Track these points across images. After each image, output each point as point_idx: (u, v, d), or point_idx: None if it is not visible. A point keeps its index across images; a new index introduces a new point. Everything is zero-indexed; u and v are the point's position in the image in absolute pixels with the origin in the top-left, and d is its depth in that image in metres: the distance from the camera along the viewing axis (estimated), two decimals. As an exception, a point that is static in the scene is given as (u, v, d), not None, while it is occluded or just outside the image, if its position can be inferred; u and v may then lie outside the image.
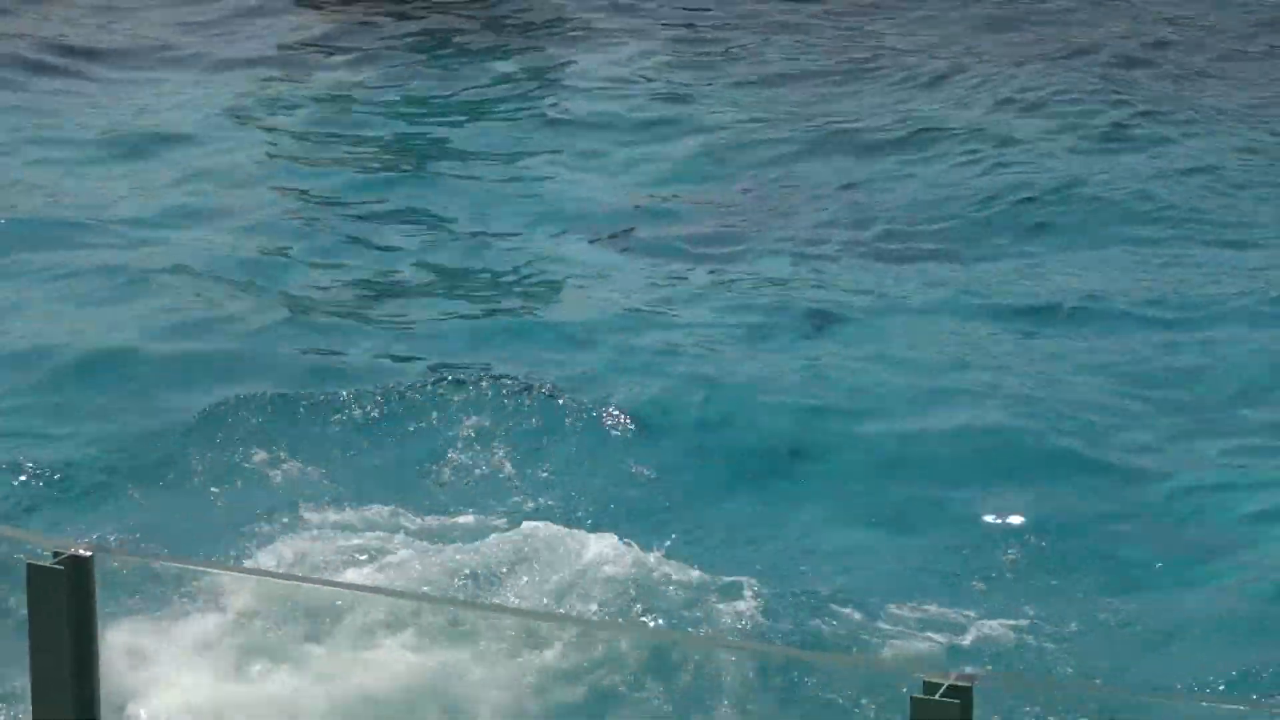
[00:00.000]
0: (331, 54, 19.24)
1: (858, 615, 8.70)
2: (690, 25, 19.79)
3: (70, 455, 10.63)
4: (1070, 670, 8.05)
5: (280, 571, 8.97)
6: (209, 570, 8.96)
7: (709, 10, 20.23)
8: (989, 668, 8.16)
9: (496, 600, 8.74)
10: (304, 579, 8.83)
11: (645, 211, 14.96)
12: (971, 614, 8.78)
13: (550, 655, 8.38)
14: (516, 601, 8.76)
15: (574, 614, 8.53)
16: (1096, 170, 15.34)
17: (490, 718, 8.07)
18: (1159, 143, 15.95)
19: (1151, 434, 11.41)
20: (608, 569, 8.93)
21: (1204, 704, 7.90)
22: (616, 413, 11.19)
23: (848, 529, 10.09)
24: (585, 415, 11.17)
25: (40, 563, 5.70)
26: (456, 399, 11.25)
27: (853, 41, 19.11)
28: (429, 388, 11.44)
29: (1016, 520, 10.17)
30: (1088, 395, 11.75)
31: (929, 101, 17.29)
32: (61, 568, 5.69)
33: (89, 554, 5.73)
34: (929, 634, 8.54)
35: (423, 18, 20.27)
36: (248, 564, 8.77)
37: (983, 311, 12.90)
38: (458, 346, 12.40)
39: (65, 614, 5.77)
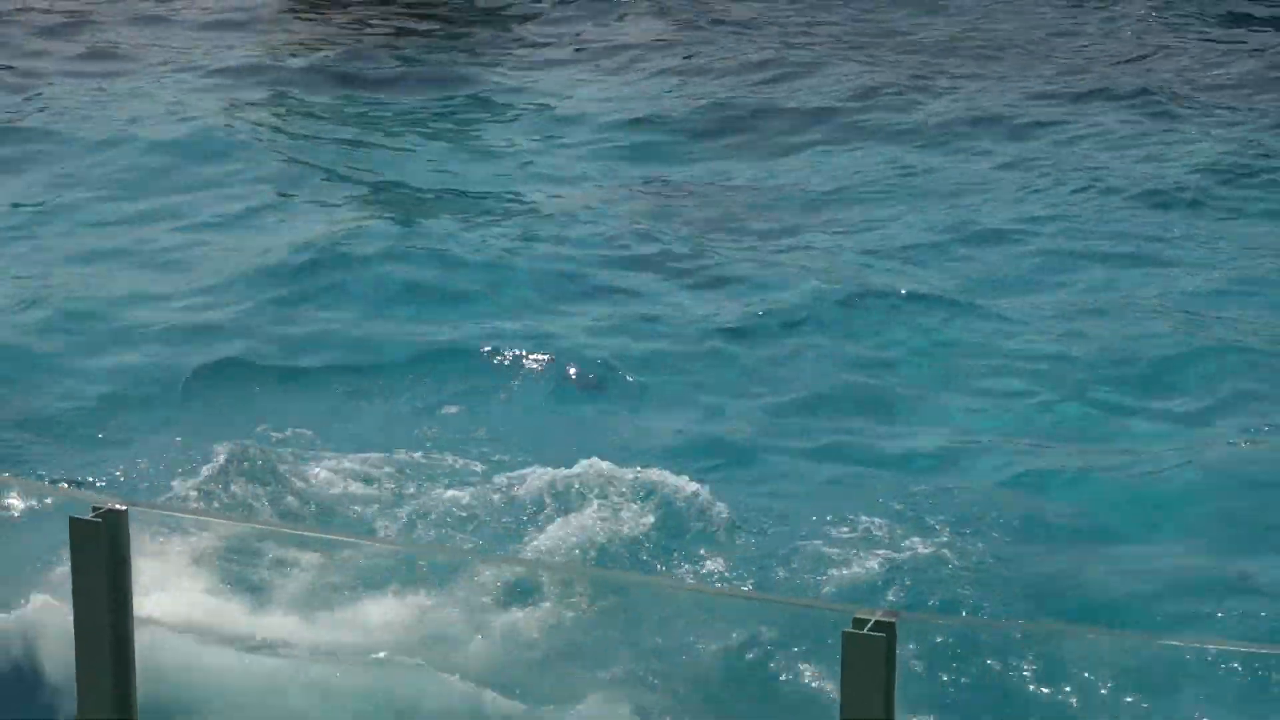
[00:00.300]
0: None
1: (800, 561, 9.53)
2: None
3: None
4: (988, 607, 8.80)
5: (313, 529, 9.64)
6: (238, 523, 9.48)
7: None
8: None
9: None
10: (336, 535, 9.51)
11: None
12: (898, 555, 9.59)
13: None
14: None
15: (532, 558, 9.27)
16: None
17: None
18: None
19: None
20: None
21: (1112, 637, 8.56)
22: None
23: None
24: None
25: (81, 516, 6.45)
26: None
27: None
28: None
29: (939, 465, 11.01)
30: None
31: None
32: (100, 520, 6.43)
33: (124, 508, 6.49)
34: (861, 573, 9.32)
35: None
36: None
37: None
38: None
39: (104, 563, 6.50)
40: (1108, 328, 13.31)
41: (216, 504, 9.53)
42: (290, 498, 10.06)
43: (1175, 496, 10.65)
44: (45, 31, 21.79)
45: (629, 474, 10.31)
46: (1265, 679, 8.61)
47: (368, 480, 10.44)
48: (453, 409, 11.81)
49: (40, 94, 19.41)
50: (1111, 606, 9.17)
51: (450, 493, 10.28)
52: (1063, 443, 11.45)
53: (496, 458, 10.87)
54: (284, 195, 16.35)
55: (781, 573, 9.37)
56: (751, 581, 9.33)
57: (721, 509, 10.07)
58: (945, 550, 9.53)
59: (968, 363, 12.68)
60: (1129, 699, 8.46)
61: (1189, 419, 11.96)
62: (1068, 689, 8.39)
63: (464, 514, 10.08)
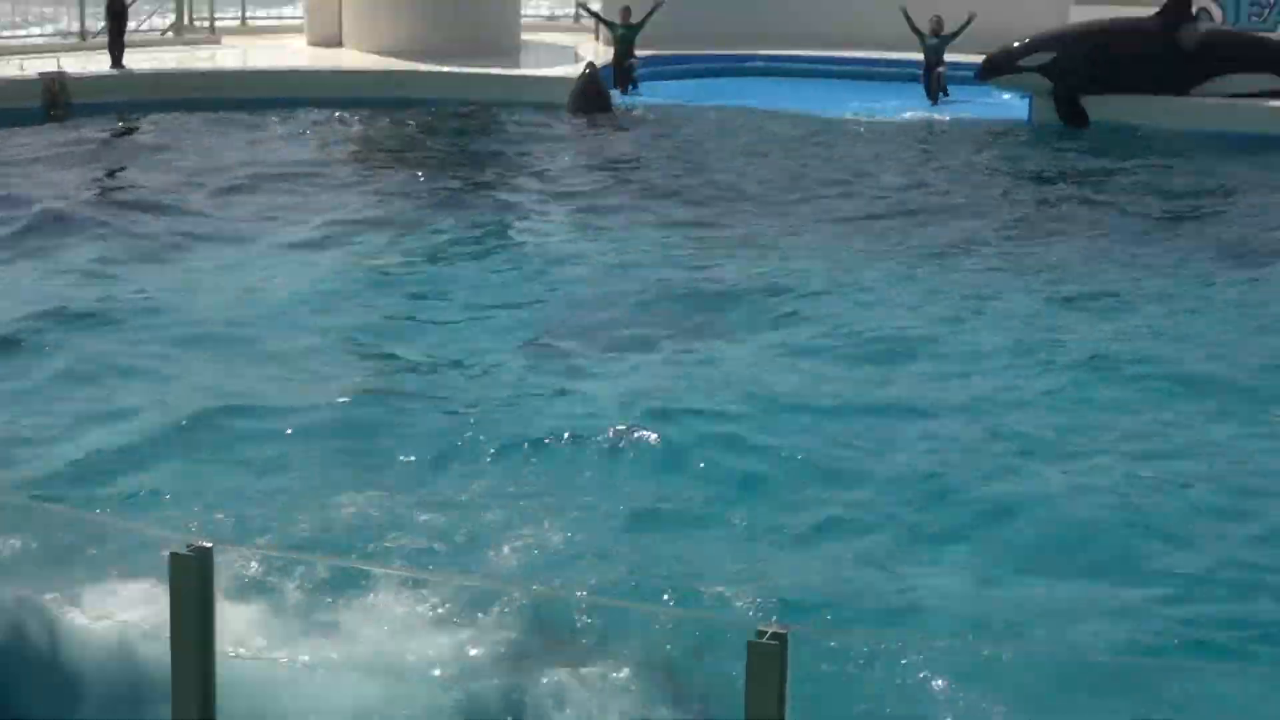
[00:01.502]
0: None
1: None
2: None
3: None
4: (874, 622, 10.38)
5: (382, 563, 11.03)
6: (318, 561, 10.83)
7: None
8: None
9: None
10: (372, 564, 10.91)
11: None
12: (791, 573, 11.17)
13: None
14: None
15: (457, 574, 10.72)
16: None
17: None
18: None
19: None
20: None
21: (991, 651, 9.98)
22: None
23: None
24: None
25: (178, 550, 7.95)
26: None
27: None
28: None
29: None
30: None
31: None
32: (193, 555, 7.93)
33: (210, 545, 7.98)
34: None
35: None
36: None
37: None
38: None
39: (196, 594, 7.98)
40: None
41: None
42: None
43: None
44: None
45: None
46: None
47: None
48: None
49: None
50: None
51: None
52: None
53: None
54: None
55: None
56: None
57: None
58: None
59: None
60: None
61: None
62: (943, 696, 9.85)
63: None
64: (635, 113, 29.23)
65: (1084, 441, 14.10)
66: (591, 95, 28.81)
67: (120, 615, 10.03)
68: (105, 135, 27.49)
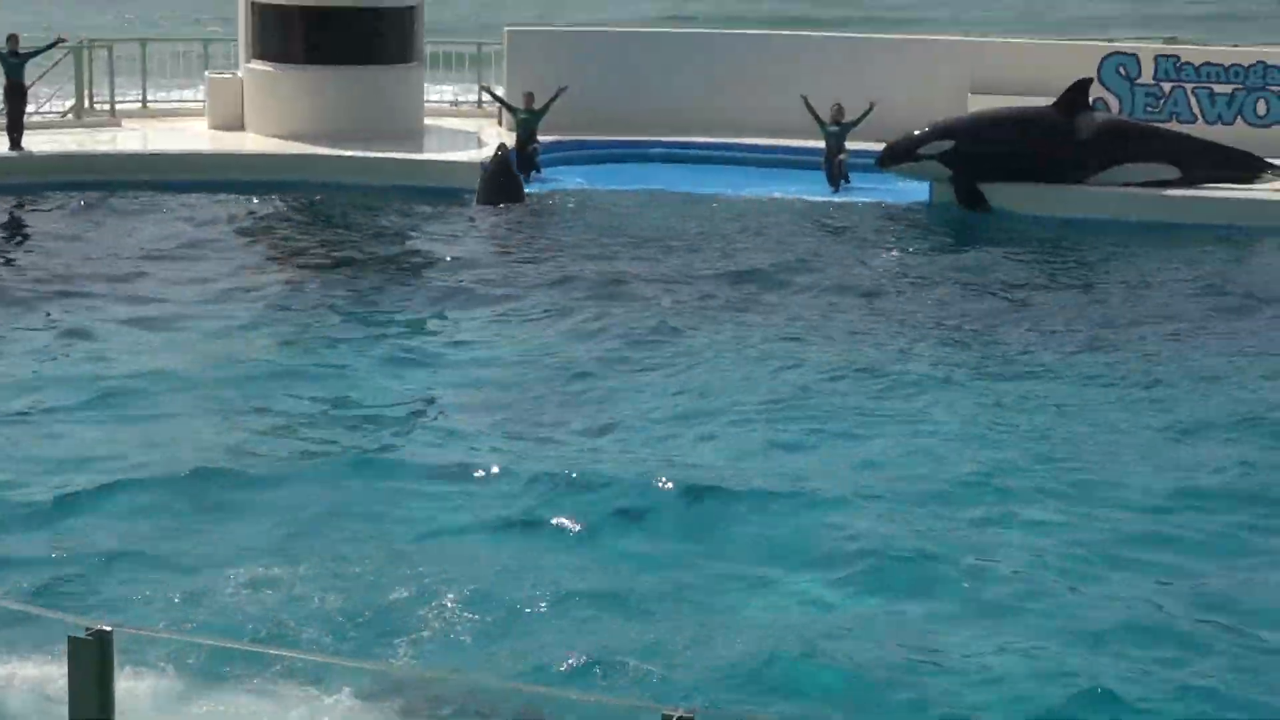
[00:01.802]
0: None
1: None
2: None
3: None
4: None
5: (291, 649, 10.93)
6: (219, 644, 10.72)
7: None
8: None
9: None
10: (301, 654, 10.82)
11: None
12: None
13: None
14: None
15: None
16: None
17: None
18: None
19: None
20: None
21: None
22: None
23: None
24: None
25: (76, 635, 7.84)
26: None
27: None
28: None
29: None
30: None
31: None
32: (93, 639, 7.81)
33: (109, 629, 7.86)
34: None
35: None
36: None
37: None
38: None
39: (94, 677, 7.86)
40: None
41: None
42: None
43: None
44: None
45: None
46: None
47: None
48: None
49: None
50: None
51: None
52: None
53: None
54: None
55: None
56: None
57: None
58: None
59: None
60: None
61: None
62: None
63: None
64: (546, 200, 29.22)
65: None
66: (503, 182, 28.76)
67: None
68: (3, 217, 27.27)
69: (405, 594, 12.28)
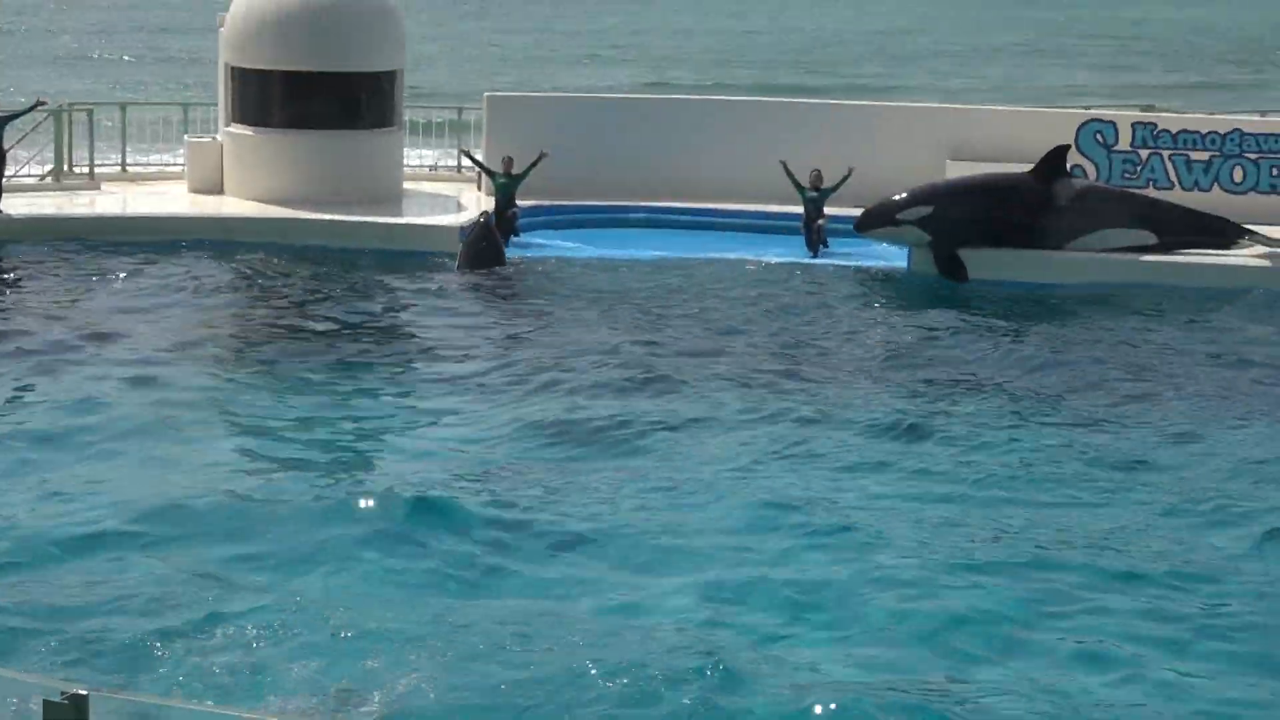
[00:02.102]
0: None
1: None
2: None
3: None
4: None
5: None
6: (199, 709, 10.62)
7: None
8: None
9: None
10: None
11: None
12: None
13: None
14: None
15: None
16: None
17: None
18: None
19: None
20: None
21: None
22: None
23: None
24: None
25: (51, 699, 7.77)
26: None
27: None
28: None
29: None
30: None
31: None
32: (69, 703, 7.75)
33: (85, 693, 7.80)
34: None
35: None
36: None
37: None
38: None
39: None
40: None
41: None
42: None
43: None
44: None
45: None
46: None
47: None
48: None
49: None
50: None
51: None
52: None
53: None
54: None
55: None
56: None
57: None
58: None
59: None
60: None
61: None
62: None
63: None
64: (528, 265, 29.20)
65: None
66: (484, 247, 28.74)
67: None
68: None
69: (377, 661, 12.22)
